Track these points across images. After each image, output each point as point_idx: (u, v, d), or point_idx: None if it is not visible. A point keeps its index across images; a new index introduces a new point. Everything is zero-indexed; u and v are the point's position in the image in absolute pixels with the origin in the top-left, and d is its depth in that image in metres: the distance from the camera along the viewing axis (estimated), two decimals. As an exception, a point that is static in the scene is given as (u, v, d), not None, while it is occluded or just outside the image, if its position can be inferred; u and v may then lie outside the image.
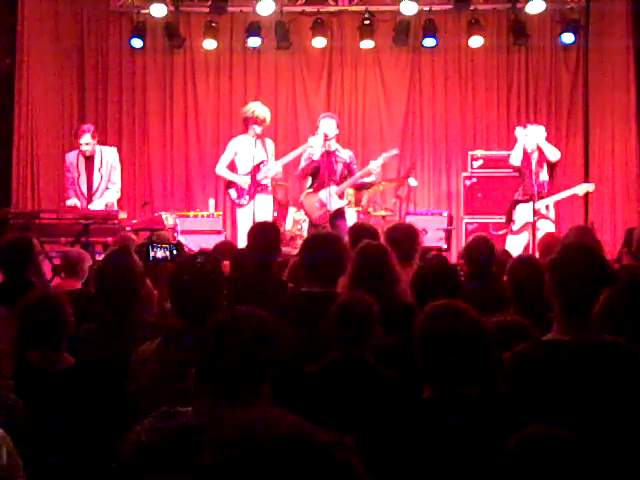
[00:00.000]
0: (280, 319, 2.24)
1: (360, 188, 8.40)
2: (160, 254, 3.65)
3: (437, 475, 2.20)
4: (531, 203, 7.65)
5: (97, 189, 7.62)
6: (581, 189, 8.25)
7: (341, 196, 7.96)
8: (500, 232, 7.66)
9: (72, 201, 7.52)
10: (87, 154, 7.58)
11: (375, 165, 7.88)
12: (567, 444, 1.75)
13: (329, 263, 3.67)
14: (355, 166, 8.08)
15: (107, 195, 7.62)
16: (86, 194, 7.59)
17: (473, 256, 4.76)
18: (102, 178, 7.62)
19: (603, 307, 2.84)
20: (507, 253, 5.66)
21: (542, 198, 7.79)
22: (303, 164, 7.96)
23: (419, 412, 2.31)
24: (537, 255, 5.68)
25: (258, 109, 8.06)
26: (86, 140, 7.53)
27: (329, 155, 7.87)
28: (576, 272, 2.61)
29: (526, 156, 7.97)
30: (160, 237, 5.08)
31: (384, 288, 3.61)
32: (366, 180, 8.16)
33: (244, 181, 7.99)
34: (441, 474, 2.20)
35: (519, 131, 8.12)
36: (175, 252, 3.67)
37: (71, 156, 7.72)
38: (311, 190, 8.04)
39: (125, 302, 3.27)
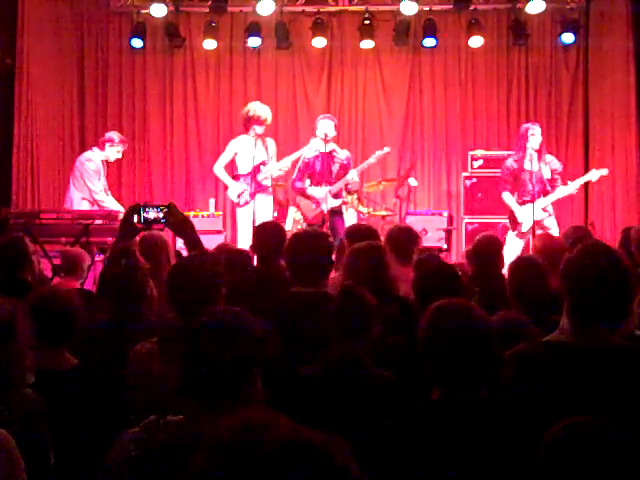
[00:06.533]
0: (263, 321, 2.23)
1: (348, 192, 8.41)
2: (152, 215, 3.57)
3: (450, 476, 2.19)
4: (533, 203, 7.56)
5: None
6: (594, 175, 7.96)
7: (337, 196, 7.93)
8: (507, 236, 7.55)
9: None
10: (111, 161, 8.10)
11: (350, 177, 7.88)
12: (610, 431, 1.80)
13: (316, 262, 3.66)
14: (352, 169, 8.06)
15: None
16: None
17: (481, 255, 4.75)
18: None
19: None
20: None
21: (546, 195, 7.70)
22: (298, 172, 7.97)
23: (431, 414, 2.29)
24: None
25: (259, 109, 8.04)
26: (122, 149, 8.09)
27: (326, 155, 7.86)
28: (592, 278, 2.42)
29: (521, 159, 7.80)
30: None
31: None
32: (350, 187, 8.16)
33: (233, 192, 8.06)
34: (454, 475, 2.19)
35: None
36: (167, 212, 3.57)
37: (98, 161, 7.99)
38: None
39: (131, 303, 3.29)
